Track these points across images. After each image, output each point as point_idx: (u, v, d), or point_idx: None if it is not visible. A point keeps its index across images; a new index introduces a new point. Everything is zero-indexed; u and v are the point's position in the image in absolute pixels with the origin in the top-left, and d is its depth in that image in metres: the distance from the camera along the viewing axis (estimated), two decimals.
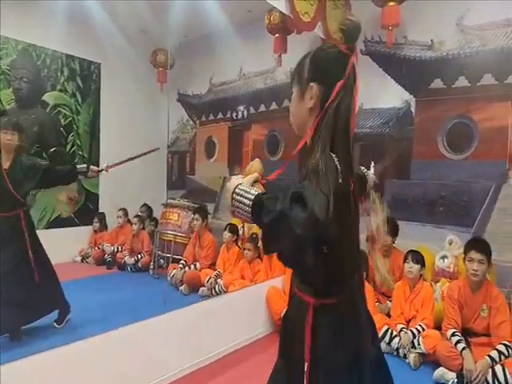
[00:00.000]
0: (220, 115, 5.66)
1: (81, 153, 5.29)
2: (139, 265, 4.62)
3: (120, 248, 4.92)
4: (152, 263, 4.52)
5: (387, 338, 2.63)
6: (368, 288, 3.00)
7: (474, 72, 3.29)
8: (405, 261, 2.82)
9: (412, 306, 2.73)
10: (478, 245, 2.39)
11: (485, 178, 3.27)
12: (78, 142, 5.31)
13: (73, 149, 5.20)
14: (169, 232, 4.52)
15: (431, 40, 3.51)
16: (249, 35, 4.67)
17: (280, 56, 4.06)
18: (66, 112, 5.19)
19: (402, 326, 2.65)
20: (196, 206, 4.55)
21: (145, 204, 5.68)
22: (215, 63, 5.59)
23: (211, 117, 5.81)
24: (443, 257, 3.02)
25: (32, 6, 4.39)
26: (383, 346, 2.63)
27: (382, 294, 3.19)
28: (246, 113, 5.27)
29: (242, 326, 2.84)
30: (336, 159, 0.88)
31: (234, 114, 5.43)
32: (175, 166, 6.45)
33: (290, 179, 1.15)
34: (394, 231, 3.24)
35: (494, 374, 2.17)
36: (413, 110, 3.62)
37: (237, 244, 3.98)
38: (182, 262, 4.21)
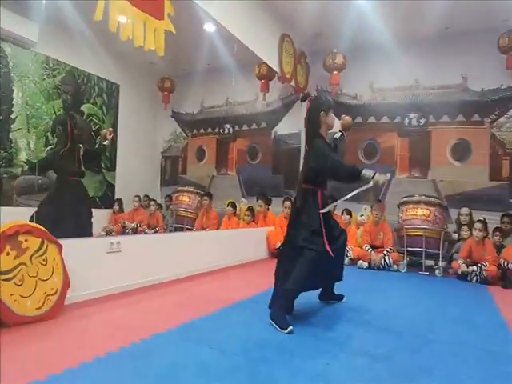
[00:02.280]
0: (209, 130, 7.67)
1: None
2: None
3: (139, 224, 6.58)
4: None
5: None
6: None
7: (378, 114, 5.87)
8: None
9: None
10: (377, 203, 4.80)
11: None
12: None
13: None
14: (182, 209, 6.37)
15: (355, 93, 6.04)
16: (235, 74, 6.56)
17: (264, 94, 6.29)
18: (96, 120, 6.82)
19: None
20: (201, 192, 6.48)
21: (147, 195, 7.36)
22: (206, 91, 7.60)
23: (202, 131, 7.78)
24: (362, 215, 5.41)
25: (75, 36, 5.94)
26: None
27: None
28: (231, 129, 7.38)
29: (253, 250, 4.91)
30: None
31: (222, 130, 7.50)
32: (168, 168, 8.23)
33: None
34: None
35: (385, 260, 4.53)
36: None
37: (235, 215, 5.98)
38: (193, 230, 6.08)
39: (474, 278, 4.15)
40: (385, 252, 4.61)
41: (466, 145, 5.37)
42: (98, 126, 6.87)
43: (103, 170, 6.91)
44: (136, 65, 7.16)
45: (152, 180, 8.12)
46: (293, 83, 5.81)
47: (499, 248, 4.40)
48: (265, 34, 5.06)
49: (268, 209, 5.66)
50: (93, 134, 6.67)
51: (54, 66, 6.11)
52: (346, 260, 4.75)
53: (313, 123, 2.55)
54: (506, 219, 4.78)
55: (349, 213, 5.12)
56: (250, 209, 5.74)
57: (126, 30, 2.84)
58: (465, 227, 4.73)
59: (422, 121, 5.62)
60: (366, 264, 4.62)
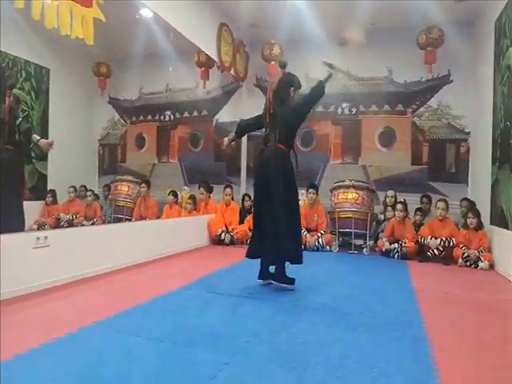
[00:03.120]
0: (149, 117, 7.49)
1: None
2: None
3: (75, 216, 6.32)
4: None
5: None
6: None
7: None
8: None
9: None
10: (311, 186, 5.09)
11: (319, 161, 6.11)
12: (33, 132, 6.49)
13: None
14: (121, 199, 6.22)
15: None
16: (174, 61, 6.46)
17: (204, 82, 6.27)
18: (24, 107, 6.34)
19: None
20: (139, 180, 6.36)
21: (83, 185, 7.06)
22: (145, 77, 7.39)
23: (141, 117, 7.57)
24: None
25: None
26: None
27: None
28: (172, 116, 7.27)
29: (194, 238, 4.98)
30: None
31: (162, 117, 7.36)
32: (106, 156, 7.92)
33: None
34: None
35: (318, 242, 4.84)
36: None
37: (176, 204, 5.97)
38: (132, 220, 5.99)
39: (396, 255, 4.60)
40: (318, 234, 4.93)
41: (391, 132, 5.82)
42: (27, 112, 6.41)
43: (33, 160, 6.49)
44: (68, 48, 6.72)
45: (89, 169, 7.77)
46: (232, 72, 5.85)
47: (420, 226, 4.89)
48: (203, 23, 5.03)
49: (209, 196, 5.73)
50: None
51: None
52: None
53: (283, 92, 2.99)
54: (424, 199, 5.30)
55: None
56: (192, 197, 5.78)
57: (51, 17, 2.72)
58: (389, 208, 5.19)
59: (354, 110, 5.98)
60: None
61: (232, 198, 5.59)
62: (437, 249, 4.41)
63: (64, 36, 2.94)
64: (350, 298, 2.80)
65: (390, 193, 5.41)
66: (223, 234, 5.17)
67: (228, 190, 5.46)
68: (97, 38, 6.27)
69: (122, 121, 7.78)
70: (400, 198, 5.35)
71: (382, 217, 5.38)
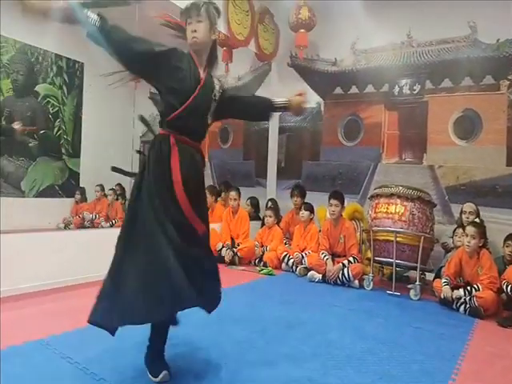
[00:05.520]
0: None
1: (65, 136, 6.34)
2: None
3: (97, 216, 5.95)
4: None
5: (286, 260, 3.87)
6: (278, 231, 4.23)
7: (361, 83, 4.61)
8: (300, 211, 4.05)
9: (304, 240, 3.98)
10: (333, 194, 3.66)
11: (367, 159, 4.58)
12: (64, 127, 6.33)
13: (59, 132, 6.24)
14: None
15: (335, 58, 4.81)
16: None
17: (227, 64, 5.24)
18: (54, 102, 6.21)
19: (297, 252, 3.88)
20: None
21: (119, 184, 6.68)
22: None
23: None
24: None
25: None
26: (284, 265, 3.87)
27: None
28: None
29: None
30: None
31: None
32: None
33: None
34: (303, 195, 4.45)
35: (343, 273, 3.43)
36: (322, 109, 4.91)
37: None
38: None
39: (462, 307, 2.93)
40: (344, 262, 3.50)
41: (474, 117, 3.99)
42: (57, 107, 6.27)
43: (64, 157, 6.33)
44: None
45: (131, 168, 7.42)
46: (253, 47, 4.73)
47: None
48: None
49: (216, 200, 4.70)
50: (50, 116, 6.13)
51: None
52: (299, 269, 3.75)
53: None
54: None
55: (309, 208, 4.02)
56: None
57: None
58: (460, 231, 3.46)
59: (417, 88, 4.29)
60: (318, 276, 3.54)
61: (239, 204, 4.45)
62: None
63: None
64: None
65: (469, 207, 3.65)
66: (224, 250, 4.09)
67: (233, 194, 4.33)
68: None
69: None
70: (487, 215, 3.62)
71: (450, 242, 3.67)
